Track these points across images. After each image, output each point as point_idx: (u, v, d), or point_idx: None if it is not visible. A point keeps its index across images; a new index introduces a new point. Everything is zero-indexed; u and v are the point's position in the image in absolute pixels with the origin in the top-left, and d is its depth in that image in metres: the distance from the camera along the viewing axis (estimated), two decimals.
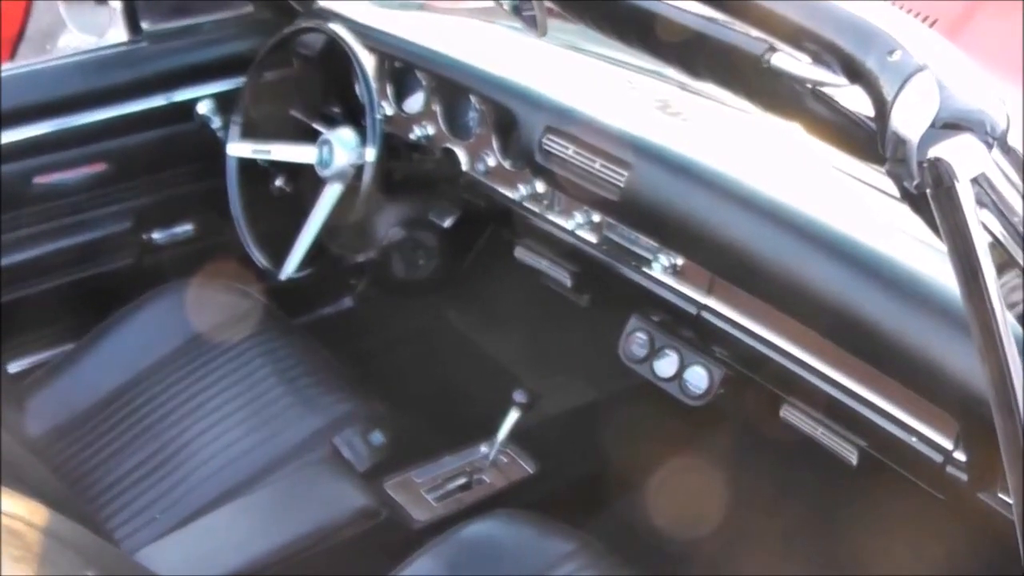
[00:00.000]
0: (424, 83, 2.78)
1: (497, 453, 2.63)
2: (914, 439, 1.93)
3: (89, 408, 2.47)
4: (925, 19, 2.68)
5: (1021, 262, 1.24)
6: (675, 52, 1.34)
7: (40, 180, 2.78)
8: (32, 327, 2.81)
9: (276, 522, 2.19)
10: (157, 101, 2.96)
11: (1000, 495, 1.78)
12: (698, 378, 2.45)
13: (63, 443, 2.41)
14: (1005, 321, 1.10)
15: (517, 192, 2.59)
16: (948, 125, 1.07)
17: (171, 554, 2.10)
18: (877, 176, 2.00)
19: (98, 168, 2.89)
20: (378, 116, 2.58)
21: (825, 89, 1.16)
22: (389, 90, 2.87)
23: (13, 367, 2.81)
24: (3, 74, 2.71)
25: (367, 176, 2.58)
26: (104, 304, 2.68)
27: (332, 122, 2.83)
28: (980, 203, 1.13)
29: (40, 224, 2.82)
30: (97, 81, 2.88)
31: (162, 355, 2.55)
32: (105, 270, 2.97)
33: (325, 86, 3.02)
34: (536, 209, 2.58)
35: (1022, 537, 1.17)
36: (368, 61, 2.65)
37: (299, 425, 2.39)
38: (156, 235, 3.07)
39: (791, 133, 2.04)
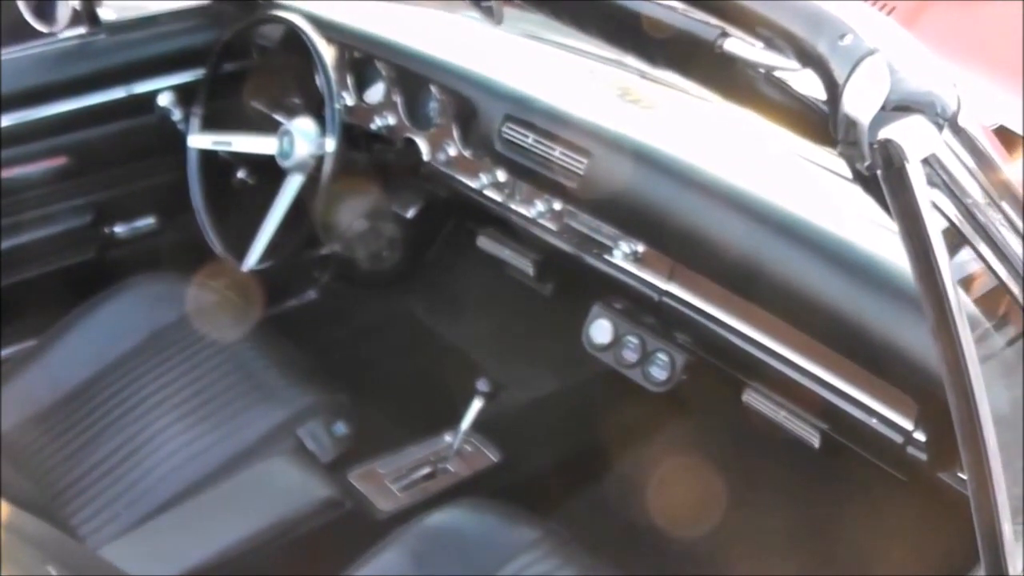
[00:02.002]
0: (384, 73, 2.78)
1: (461, 442, 2.63)
2: (875, 421, 1.95)
3: (52, 404, 2.45)
4: (882, 7, 2.70)
5: (973, 242, 1.25)
6: (630, 39, 1.34)
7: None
8: None
9: (241, 515, 2.18)
10: (117, 93, 2.94)
11: (959, 474, 1.80)
12: (661, 364, 2.46)
13: (26, 439, 2.39)
14: (958, 300, 1.11)
15: (478, 181, 2.59)
16: (899, 107, 1.08)
17: (136, 549, 2.09)
18: (836, 160, 2.02)
19: (58, 162, 2.87)
20: (337, 106, 2.58)
21: (778, 73, 1.17)
22: (350, 80, 2.87)
23: None
24: None
25: (327, 167, 2.58)
26: (67, 299, 2.66)
27: (293, 113, 2.82)
28: (931, 184, 1.15)
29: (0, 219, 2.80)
30: (56, 74, 2.86)
31: (126, 350, 2.53)
32: (67, 265, 2.95)
33: (285, 77, 3.01)
34: (498, 198, 2.59)
35: (976, 513, 1.18)
36: (327, 51, 2.64)
37: (263, 418, 2.38)
38: (118, 229, 3.05)
39: (750, 120, 2.06)
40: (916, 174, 1.09)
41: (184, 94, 2.96)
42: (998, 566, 1.21)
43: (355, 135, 2.79)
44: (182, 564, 2.05)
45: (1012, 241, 1.33)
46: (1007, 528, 1.19)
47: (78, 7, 2.88)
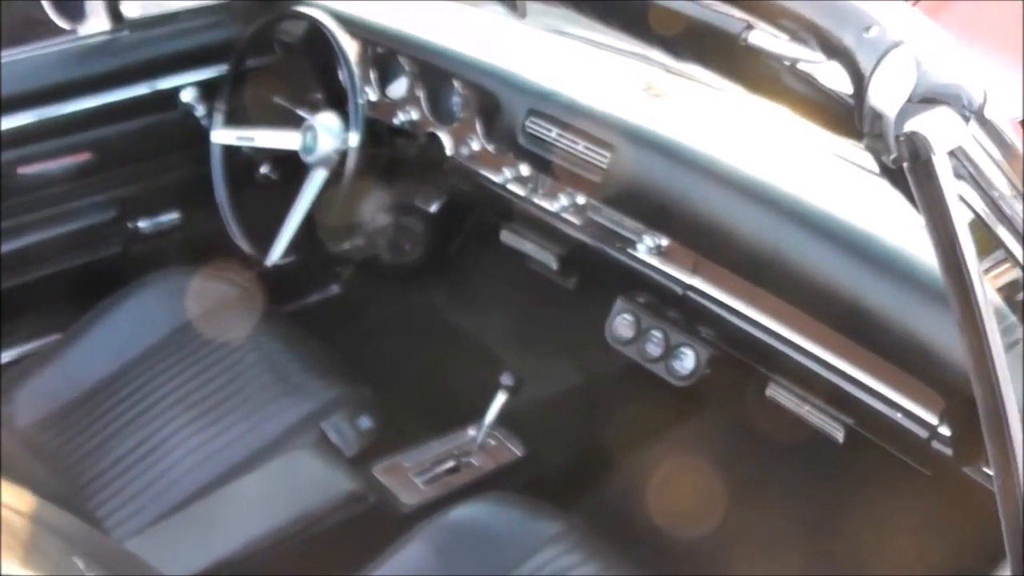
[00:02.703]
0: (407, 68, 2.78)
1: (485, 436, 2.64)
2: (899, 415, 1.94)
3: (77, 397, 2.46)
4: None
5: (999, 235, 1.25)
6: (655, 33, 1.34)
7: (24, 170, 2.77)
8: (19, 317, 2.80)
9: (265, 508, 2.19)
10: (140, 90, 2.95)
11: (984, 469, 1.80)
12: (684, 358, 2.47)
13: (51, 433, 2.40)
14: (984, 293, 1.11)
15: (502, 176, 2.59)
16: (925, 99, 1.08)
17: (161, 542, 2.10)
18: (860, 154, 2.01)
19: (83, 157, 2.88)
20: (360, 101, 2.58)
21: (803, 66, 1.16)
22: (372, 76, 2.87)
23: (0, 358, 2.80)
24: None
25: (351, 161, 2.58)
26: (91, 293, 2.67)
27: (316, 108, 2.83)
28: (958, 176, 1.14)
29: (25, 215, 2.81)
30: (80, 70, 2.87)
31: (150, 344, 2.54)
32: (91, 259, 2.97)
33: (308, 72, 3.01)
34: (521, 192, 2.59)
35: (1002, 508, 1.18)
36: (350, 47, 2.65)
37: (287, 411, 2.39)
38: (142, 224, 3.06)
39: (773, 113, 2.05)
40: (943, 167, 1.08)
41: (207, 90, 2.97)
42: None
43: (378, 130, 2.79)
44: (207, 557, 2.06)
45: None
46: None
47: (102, 4, 2.89)
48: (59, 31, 2.88)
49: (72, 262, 2.93)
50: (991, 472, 1.20)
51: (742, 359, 2.37)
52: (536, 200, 2.56)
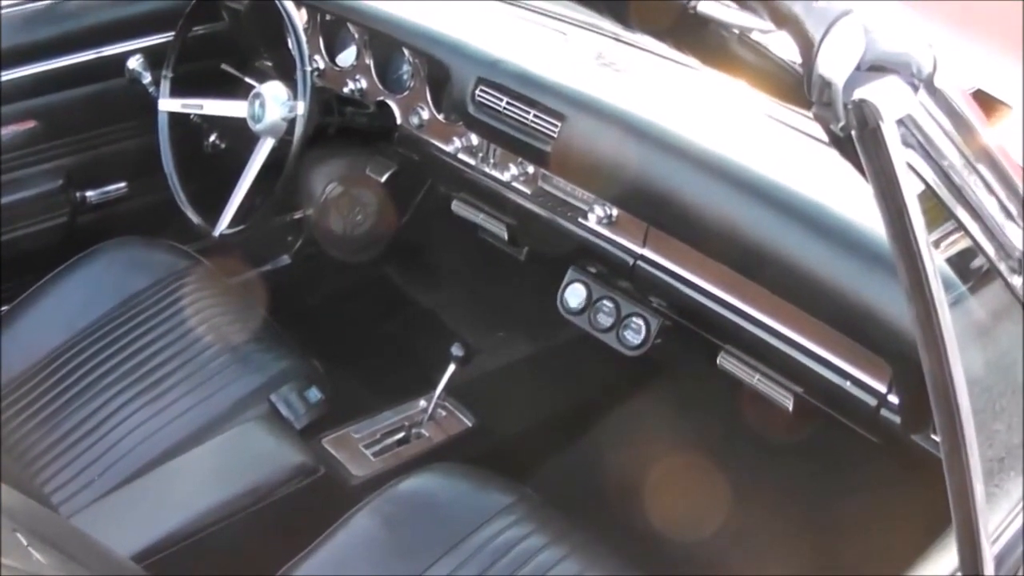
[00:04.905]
0: (356, 37, 2.76)
1: (435, 407, 2.63)
2: (848, 384, 1.95)
3: (25, 371, 2.44)
4: None
5: (948, 204, 1.25)
6: (605, 1, 1.33)
7: None
8: None
9: (215, 481, 2.18)
10: (87, 57, 2.91)
11: (932, 436, 1.81)
12: (635, 328, 2.47)
13: None
14: (932, 262, 1.11)
15: (452, 145, 2.58)
16: (874, 68, 1.07)
17: (109, 516, 2.09)
18: (813, 126, 2.01)
19: (28, 125, 2.85)
20: (308, 69, 2.55)
21: (753, 35, 1.16)
22: (321, 44, 2.84)
23: None
24: None
25: (298, 130, 2.55)
26: (38, 265, 2.65)
27: (265, 76, 2.80)
28: (906, 144, 1.14)
29: None
30: (24, 36, 2.83)
31: (98, 316, 2.53)
32: (38, 230, 2.93)
33: (256, 40, 2.98)
34: (471, 162, 2.57)
35: (948, 475, 1.18)
36: (297, 14, 2.62)
37: (237, 384, 2.38)
38: (89, 193, 3.03)
39: (725, 84, 2.05)
40: (891, 134, 1.08)
41: (154, 57, 2.93)
42: (970, 527, 1.21)
43: (327, 99, 2.76)
44: (156, 531, 2.05)
45: (988, 203, 1.32)
46: (979, 489, 1.19)
47: None
48: None
49: (18, 232, 2.89)
50: (939, 440, 1.20)
51: (693, 329, 2.37)
52: (486, 170, 2.55)
